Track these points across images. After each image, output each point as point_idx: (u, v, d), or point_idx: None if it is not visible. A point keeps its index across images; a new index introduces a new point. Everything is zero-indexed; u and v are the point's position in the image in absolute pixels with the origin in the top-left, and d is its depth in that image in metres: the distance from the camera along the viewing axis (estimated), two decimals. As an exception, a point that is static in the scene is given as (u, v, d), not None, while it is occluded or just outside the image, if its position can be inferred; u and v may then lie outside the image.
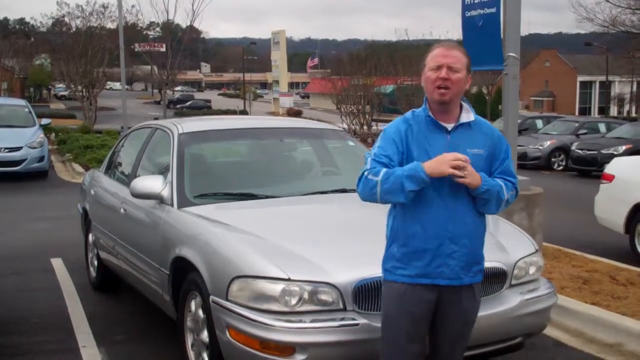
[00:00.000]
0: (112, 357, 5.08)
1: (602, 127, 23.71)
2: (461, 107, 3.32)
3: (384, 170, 3.18)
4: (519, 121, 19.93)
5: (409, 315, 3.27)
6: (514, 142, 7.37)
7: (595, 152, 19.46)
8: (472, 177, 3.15)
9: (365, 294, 3.72)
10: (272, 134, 6.13)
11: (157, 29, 51.64)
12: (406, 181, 3.12)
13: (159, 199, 5.03)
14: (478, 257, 3.34)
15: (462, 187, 3.20)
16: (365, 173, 3.22)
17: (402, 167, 3.17)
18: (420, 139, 3.25)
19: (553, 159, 22.25)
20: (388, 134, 3.31)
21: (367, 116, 31.83)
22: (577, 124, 24.10)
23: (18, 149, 15.87)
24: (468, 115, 3.31)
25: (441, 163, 3.11)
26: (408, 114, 3.37)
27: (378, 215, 3.58)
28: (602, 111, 63.21)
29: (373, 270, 3.62)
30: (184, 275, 4.46)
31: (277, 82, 65.43)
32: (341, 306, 3.73)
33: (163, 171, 5.37)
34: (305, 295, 3.71)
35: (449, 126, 3.28)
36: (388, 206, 3.42)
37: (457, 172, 3.10)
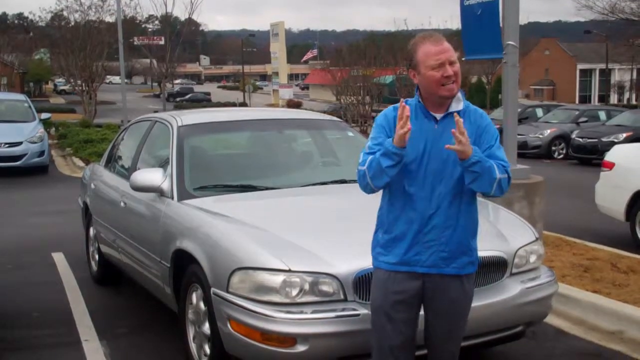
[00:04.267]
0: (113, 350, 5.08)
1: (603, 115, 23.66)
2: None
3: (369, 158, 3.23)
4: (519, 110, 19.91)
5: (392, 303, 3.28)
6: (514, 131, 7.36)
7: (596, 140, 19.42)
8: (465, 145, 3.07)
9: (365, 284, 3.72)
10: (272, 126, 6.12)
11: (156, 22, 51.54)
12: (382, 160, 3.15)
13: (159, 191, 5.03)
14: (465, 249, 3.29)
15: (448, 176, 3.20)
16: (359, 167, 3.29)
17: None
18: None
19: (553, 148, 22.23)
20: (378, 122, 3.36)
21: (367, 107, 31.82)
22: (577, 112, 24.03)
23: (18, 143, 15.87)
24: (457, 104, 3.29)
25: (397, 130, 3.10)
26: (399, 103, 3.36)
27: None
28: (602, 99, 63.15)
29: (373, 260, 3.62)
30: (184, 268, 4.46)
31: (276, 73, 65.25)
32: (342, 297, 3.74)
33: (163, 164, 5.37)
34: (306, 286, 3.71)
35: (439, 115, 3.26)
36: None
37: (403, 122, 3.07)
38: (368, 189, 3.30)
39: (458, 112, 3.26)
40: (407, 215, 3.24)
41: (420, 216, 3.22)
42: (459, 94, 3.31)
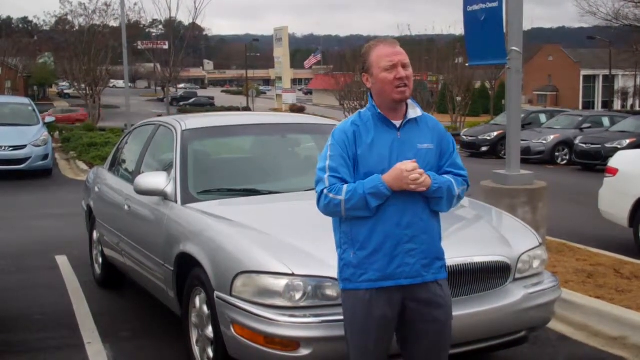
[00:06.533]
0: (117, 353, 5.09)
1: (606, 121, 23.65)
2: (406, 103, 3.28)
3: (345, 187, 3.12)
4: (523, 116, 19.92)
5: (378, 320, 3.19)
6: (517, 137, 7.37)
7: (599, 146, 19.43)
8: (425, 181, 3.10)
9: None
10: (275, 130, 6.13)
11: (160, 26, 51.77)
12: (370, 198, 3.08)
13: (162, 195, 5.04)
14: (438, 253, 3.27)
15: None
16: (326, 192, 3.14)
17: (364, 183, 3.11)
18: (369, 140, 3.18)
19: (557, 154, 22.24)
20: (337, 139, 3.23)
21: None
22: (580, 118, 24.03)
23: (22, 147, 15.91)
24: (415, 111, 3.26)
25: (400, 179, 3.06)
26: (355, 116, 3.30)
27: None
28: (605, 105, 63.13)
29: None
30: (188, 272, 4.47)
31: (279, 78, 65.43)
32: (345, 300, 3.73)
33: (167, 168, 5.38)
34: (309, 290, 3.72)
35: (397, 122, 3.22)
36: None
37: (418, 187, 3.07)
38: (333, 215, 3.22)
39: (416, 119, 3.25)
40: (382, 228, 3.15)
41: (397, 226, 3.15)
42: (412, 102, 3.28)
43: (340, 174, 3.15)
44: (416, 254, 3.18)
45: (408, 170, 3.05)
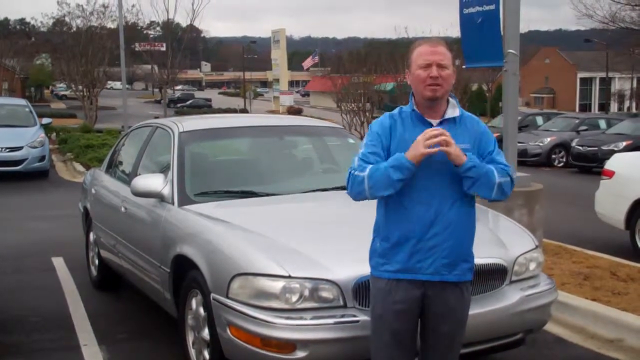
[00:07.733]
0: (113, 356, 5.09)
1: (603, 124, 23.70)
2: (447, 102, 3.30)
3: (370, 165, 3.19)
4: (519, 118, 19.91)
5: (394, 311, 3.25)
6: (514, 139, 7.38)
7: (596, 148, 19.46)
8: (457, 150, 3.10)
9: (365, 291, 3.71)
10: (273, 132, 6.14)
11: (158, 28, 51.79)
12: (392, 171, 3.12)
13: (159, 197, 5.04)
14: (465, 255, 3.29)
15: (446, 182, 3.19)
16: (352, 172, 3.23)
17: (387, 161, 3.17)
18: (404, 135, 3.22)
19: (553, 156, 22.25)
20: (373, 129, 3.31)
21: (367, 114, 31.84)
22: (577, 121, 24.07)
23: (19, 148, 15.88)
24: (453, 110, 3.28)
25: (416, 144, 3.10)
26: (396, 110, 3.36)
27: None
28: (602, 107, 63.22)
29: (373, 267, 3.62)
30: (184, 273, 4.47)
31: (277, 80, 65.40)
32: (342, 303, 3.74)
33: (164, 170, 5.38)
34: (306, 292, 3.72)
35: (435, 122, 3.25)
36: None
37: (434, 148, 3.06)
38: (359, 197, 3.24)
39: (455, 119, 3.27)
40: (406, 222, 3.21)
41: (421, 223, 3.19)
42: (453, 101, 3.30)
43: (369, 160, 3.23)
44: (436, 252, 3.21)
45: (427, 134, 3.08)
